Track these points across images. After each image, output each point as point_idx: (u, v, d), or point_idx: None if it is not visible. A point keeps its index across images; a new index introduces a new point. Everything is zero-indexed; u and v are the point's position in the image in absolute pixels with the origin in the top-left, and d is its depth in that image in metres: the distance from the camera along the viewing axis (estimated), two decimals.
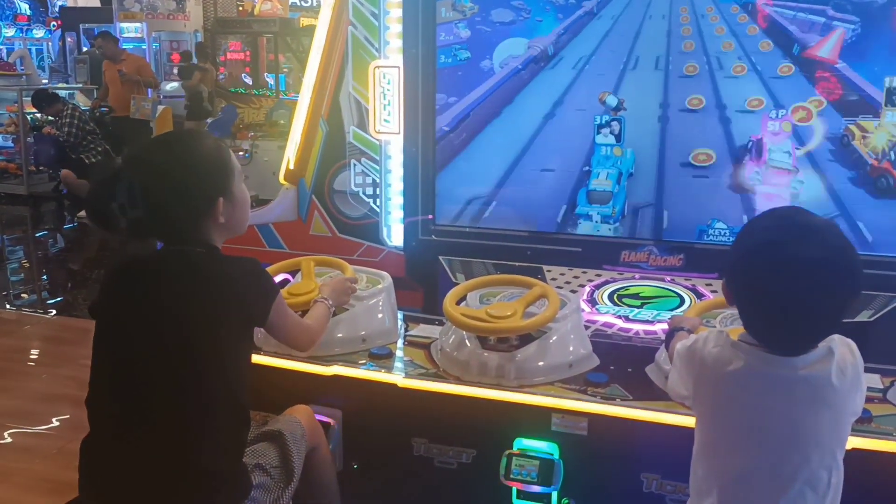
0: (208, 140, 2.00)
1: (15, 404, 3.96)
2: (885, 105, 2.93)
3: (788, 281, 1.49)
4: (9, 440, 3.63)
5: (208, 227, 1.91)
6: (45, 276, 6.76)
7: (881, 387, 2.34)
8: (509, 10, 3.28)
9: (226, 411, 1.85)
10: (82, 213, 8.54)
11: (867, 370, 2.48)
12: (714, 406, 1.65)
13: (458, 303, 2.56)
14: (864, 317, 2.86)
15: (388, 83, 3.49)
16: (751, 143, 3.06)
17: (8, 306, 5.83)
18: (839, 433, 1.59)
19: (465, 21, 3.33)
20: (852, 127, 2.97)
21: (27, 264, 7.23)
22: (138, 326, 1.83)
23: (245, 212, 2.01)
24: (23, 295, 6.18)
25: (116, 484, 1.80)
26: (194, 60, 11.36)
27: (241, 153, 9.56)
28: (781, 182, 3.05)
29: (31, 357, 4.90)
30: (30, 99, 9.32)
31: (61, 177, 8.75)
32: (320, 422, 2.39)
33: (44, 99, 8.82)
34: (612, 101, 3.20)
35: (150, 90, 9.46)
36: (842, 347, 1.60)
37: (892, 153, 2.94)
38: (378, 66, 3.51)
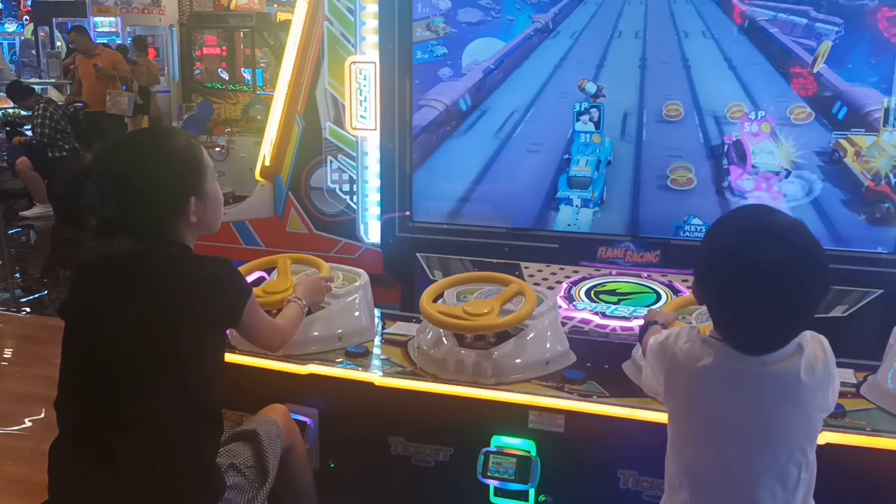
0: (180, 137, 1.97)
1: None
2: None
3: (756, 282, 1.49)
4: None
5: (179, 227, 1.88)
6: (17, 275, 6.65)
7: (854, 381, 2.37)
8: (478, 10, 3.28)
9: (196, 412, 1.83)
10: (28, 213, 8.42)
11: (841, 365, 2.49)
12: (684, 402, 1.66)
13: (435, 300, 2.55)
14: (838, 312, 2.89)
15: (365, 79, 3.47)
16: (727, 145, 3.07)
17: None
18: (808, 429, 1.60)
19: (442, 14, 3.31)
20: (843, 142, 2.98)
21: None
22: (106, 327, 1.80)
23: (218, 210, 1.98)
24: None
25: (85, 487, 1.77)
26: (132, 55, 11.17)
27: (216, 149, 9.48)
28: (767, 184, 3.06)
29: (4, 356, 4.83)
30: (3, 93, 9.19)
31: (16, 165, 8.52)
32: (296, 421, 2.37)
33: (18, 91, 8.67)
34: (591, 87, 3.20)
35: (125, 85, 9.35)
36: (812, 344, 1.60)
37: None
38: (354, 62, 3.49)
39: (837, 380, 1.66)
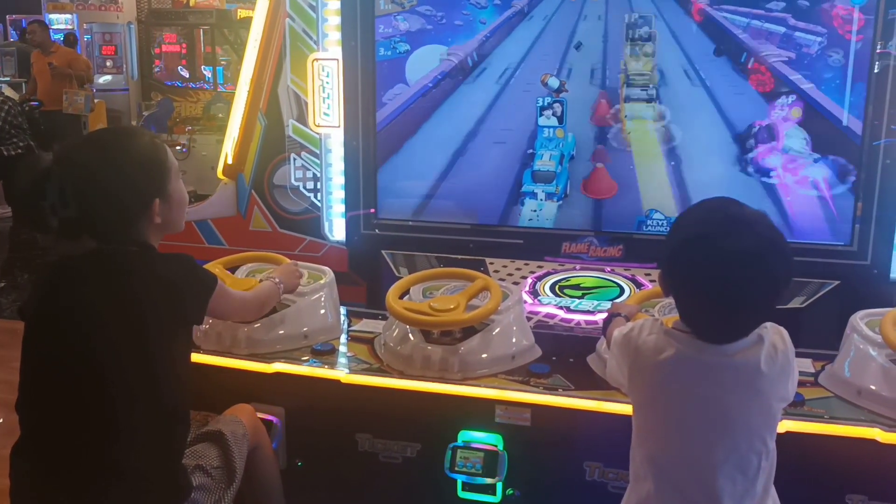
0: (144, 138, 1.93)
1: None
2: None
3: (721, 272, 1.52)
4: None
5: (143, 227, 1.86)
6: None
7: (813, 371, 2.41)
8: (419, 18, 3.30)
9: (164, 413, 1.81)
10: None
11: (800, 355, 2.55)
12: (648, 393, 1.68)
13: (401, 297, 2.55)
14: (796, 303, 2.95)
15: (328, 76, 3.46)
16: (757, 127, 3.10)
17: None
18: (768, 419, 1.62)
19: (403, 13, 3.32)
20: None
21: None
22: (67, 328, 1.77)
23: (182, 211, 1.96)
24: None
25: (48, 490, 1.75)
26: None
27: (178, 147, 9.37)
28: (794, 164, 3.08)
29: None
30: None
31: None
32: (263, 420, 2.36)
33: None
34: (553, 82, 3.23)
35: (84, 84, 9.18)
36: (773, 335, 1.64)
37: None
38: (317, 59, 3.48)
39: (796, 370, 1.69)
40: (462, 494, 2.34)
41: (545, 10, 3.20)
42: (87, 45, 12.55)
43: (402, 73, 3.35)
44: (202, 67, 13.19)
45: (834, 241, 3.06)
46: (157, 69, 13.37)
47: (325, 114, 3.50)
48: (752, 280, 1.52)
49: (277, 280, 2.40)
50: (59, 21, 11.97)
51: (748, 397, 1.59)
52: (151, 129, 10.62)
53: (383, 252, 3.42)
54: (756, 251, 1.52)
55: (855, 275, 3.02)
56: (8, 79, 9.89)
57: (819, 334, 2.67)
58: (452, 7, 3.26)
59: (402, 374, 2.41)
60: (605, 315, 2.28)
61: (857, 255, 3.03)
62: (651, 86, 3.13)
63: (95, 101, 10.09)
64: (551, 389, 2.31)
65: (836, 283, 3.02)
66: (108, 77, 12.52)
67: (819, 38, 2.96)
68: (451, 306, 2.42)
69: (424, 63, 3.32)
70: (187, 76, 13.20)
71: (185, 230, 4.05)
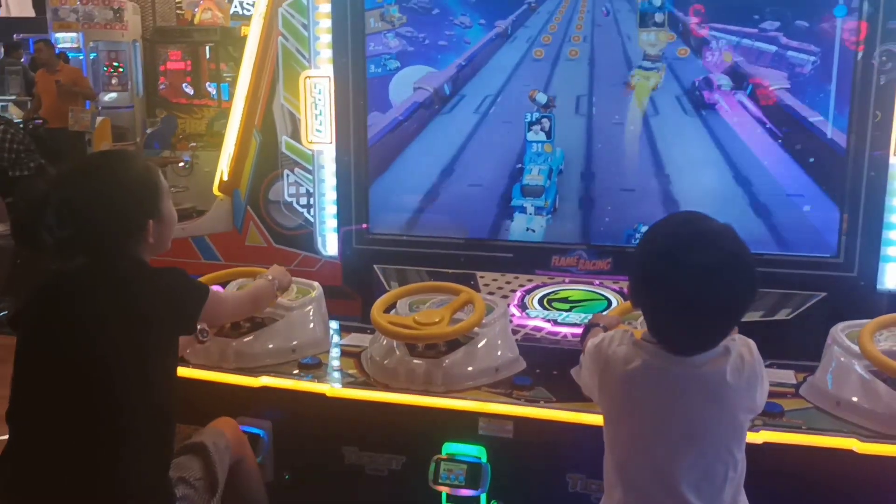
0: (138, 162, 2.02)
1: None
2: None
3: (687, 285, 1.55)
4: None
5: (137, 246, 1.93)
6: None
7: (794, 382, 2.44)
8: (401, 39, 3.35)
9: (150, 425, 1.85)
10: None
11: (783, 367, 2.59)
12: (616, 402, 1.70)
13: (386, 311, 2.59)
14: (782, 315, 2.96)
15: (319, 93, 3.51)
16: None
17: None
18: (734, 429, 1.64)
19: (393, 31, 3.36)
20: None
21: None
22: (59, 340, 1.81)
23: (171, 230, 2.04)
24: None
25: (34, 496, 1.78)
26: None
27: (181, 164, 9.44)
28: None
29: None
30: None
31: None
32: (250, 433, 2.39)
33: None
34: (541, 98, 3.27)
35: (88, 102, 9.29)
36: (741, 347, 1.66)
37: None
38: (309, 77, 3.52)
39: (766, 382, 1.71)
40: None
41: (528, 32, 3.25)
42: (93, 63, 12.67)
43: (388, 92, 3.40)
44: (207, 84, 13.30)
45: (821, 254, 3.07)
46: (162, 86, 13.47)
47: (317, 130, 3.54)
48: (716, 292, 1.55)
49: (271, 278, 2.47)
50: (65, 40, 12.09)
51: (714, 408, 1.61)
52: (154, 146, 10.72)
53: (375, 266, 3.45)
54: (719, 267, 1.55)
55: (842, 286, 3.03)
56: (14, 97, 9.99)
57: (805, 346, 2.67)
58: (436, 27, 3.31)
59: (386, 388, 2.44)
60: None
61: (844, 266, 3.04)
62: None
63: (100, 118, 10.21)
64: (532, 401, 2.33)
65: (823, 294, 3.03)
66: (114, 94, 12.63)
67: (805, 54, 2.99)
68: (436, 319, 2.45)
69: (408, 84, 3.37)
70: (192, 93, 13.30)
71: (182, 246, 4.08)
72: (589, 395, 1.89)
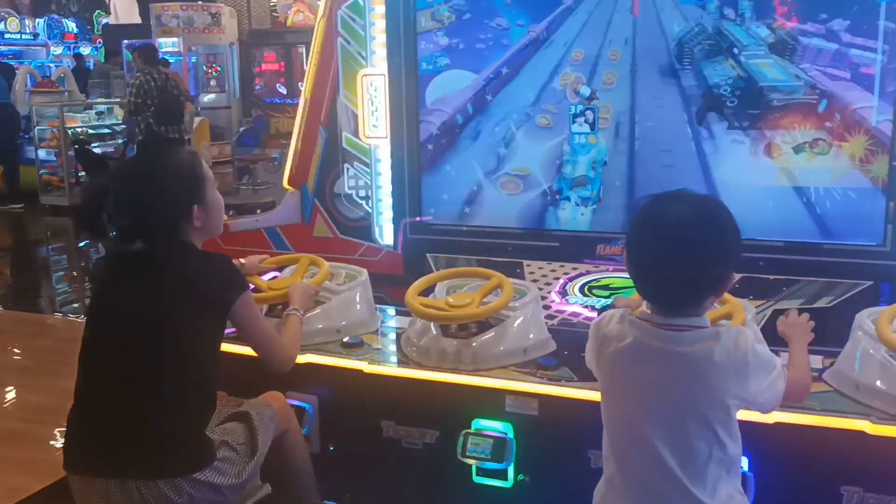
0: (183, 154, 2.29)
1: (40, 400, 4.23)
2: None
3: (656, 239, 1.65)
4: (38, 433, 3.88)
5: (186, 230, 2.17)
6: (87, 284, 7.07)
7: (820, 367, 2.45)
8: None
9: (194, 388, 2.09)
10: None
11: (813, 352, 2.59)
12: (609, 378, 1.79)
13: (423, 294, 2.74)
14: (822, 303, 2.96)
15: (375, 90, 3.69)
16: None
17: (55, 313, 6.18)
18: (720, 413, 1.66)
19: (443, 30, 3.51)
20: None
21: (75, 273, 7.58)
22: (120, 312, 2.09)
23: (219, 216, 2.26)
24: (72, 303, 6.50)
25: (88, 441, 2.05)
26: None
27: (271, 161, 9.88)
28: None
29: (62, 358, 5.18)
30: (70, 114, 9.76)
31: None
32: (296, 407, 2.58)
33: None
34: (585, 91, 3.35)
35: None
36: (734, 334, 1.69)
37: None
38: (365, 75, 3.71)
39: (764, 375, 1.69)
40: (477, 479, 2.49)
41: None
42: (193, 66, 13.31)
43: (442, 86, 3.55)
44: (300, 84, 13.77)
45: (867, 242, 3.04)
46: (257, 87, 14.06)
47: (373, 125, 3.73)
48: (681, 248, 1.63)
49: (301, 312, 2.55)
50: (167, 45, 12.80)
51: (699, 386, 1.65)
52: (247, 143, 11.20)
53: (427, 255, 3.61)
54: (687, 221, 1.64)
55: (888, 275, 3.00)
56: (118, 99, 10.65)
57: (838, 334, 2.67)
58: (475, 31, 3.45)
59: (419, 366, 2.59)
60: None
61: (891, 255, 3.01)
62: None
63: (199, 118, 10.77)
64: (555, 380, 2.43)
65: (869, 283, 3.01)
66: (213, 95, 13.28)
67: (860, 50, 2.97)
68: (466, 302, 2.59)
69: (447, 87, 3.54)
70: (285, 93, 13.84)
71: (255, 237, 4.34)
72: (592, 372, 1.99)
